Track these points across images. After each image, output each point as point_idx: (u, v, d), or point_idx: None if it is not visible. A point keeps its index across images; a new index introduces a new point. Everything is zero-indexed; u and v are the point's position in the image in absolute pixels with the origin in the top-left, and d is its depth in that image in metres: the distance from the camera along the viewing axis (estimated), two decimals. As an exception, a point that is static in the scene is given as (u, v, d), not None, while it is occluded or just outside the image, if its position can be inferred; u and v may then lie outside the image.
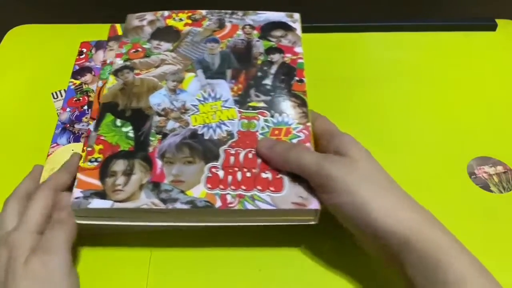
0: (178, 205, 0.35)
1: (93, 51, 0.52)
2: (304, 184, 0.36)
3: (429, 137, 0.48)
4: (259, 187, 0.36)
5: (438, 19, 0.61)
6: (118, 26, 0.51)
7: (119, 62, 0.45)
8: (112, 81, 0.44)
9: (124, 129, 0.40)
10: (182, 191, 0.36)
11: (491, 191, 0.44)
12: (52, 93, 0.52)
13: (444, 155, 0.46)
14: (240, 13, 0.50)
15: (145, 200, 0.36)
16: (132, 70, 0.45)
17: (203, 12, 0.50)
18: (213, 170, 0.37)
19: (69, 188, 0.37)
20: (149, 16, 0.50)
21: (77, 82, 0.50)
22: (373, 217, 0.32)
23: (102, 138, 0.39)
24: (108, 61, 0.47)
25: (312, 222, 0.36)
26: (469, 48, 0.58)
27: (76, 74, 0.50)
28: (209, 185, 0.36)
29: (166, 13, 0.50)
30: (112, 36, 0.50)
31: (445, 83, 0.54)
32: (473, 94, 0.53)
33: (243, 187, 0.36)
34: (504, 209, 0.42)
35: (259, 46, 0.47)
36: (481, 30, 0.60)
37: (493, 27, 0.60)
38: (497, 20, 0.60)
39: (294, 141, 0.39)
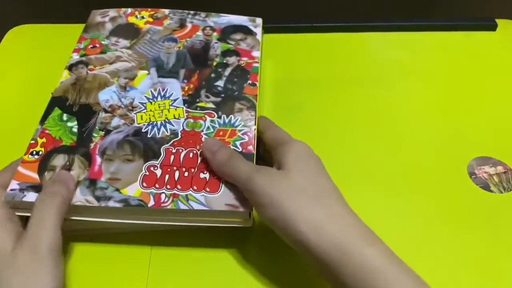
0: (111, 203, 0.35)
1: None
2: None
3: (429, 137, 0.48)
4: (195, 187, 0.36)
5: (438, 19, 0.61)
6: None
7: (75, 57, 0.46)
8: (66, 75, 0.44)
9: (69, 124, 0.40)
10: (117, 189, 0.36)
11: (491, 191, 0.44)
12: (52, 93, 0.52)
13: (444, 155, 0.46)
14: (203, 14, 0.51)
15: (80, 197, 0.36)
16: (87, 66, 0.45)
17: (166, 11, 0.51)
18: (151, 168, 0.37)
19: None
20: (112, 12, 0.51)
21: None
22: (299, 230, 0.31)
23: (47, 131, 0.40)
24: None
25: (246, 225, 0.36)
26: (469, 48, 0.58)
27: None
28: (144, 184, 0.36)
29: (129, 10, 0.51)
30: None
31: (445, 83, 0.53)
32: (473, 94, 0.53)
33: (179, 187, 0.36)
34: (504, 209, 0.42)
35: (217, 48, 0.48)
36: (481, 30, 0.60)
37: (493, 27, 0.60)
38: (497, 20, 0.60)
39: (238, 143, 0.39)
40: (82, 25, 0.60)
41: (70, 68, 0.45)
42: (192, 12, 0.51)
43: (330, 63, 0.56)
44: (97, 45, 0.47)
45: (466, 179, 0.44)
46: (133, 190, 0.36)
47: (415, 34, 0.60)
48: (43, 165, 0.37)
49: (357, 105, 0.51)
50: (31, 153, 0.38)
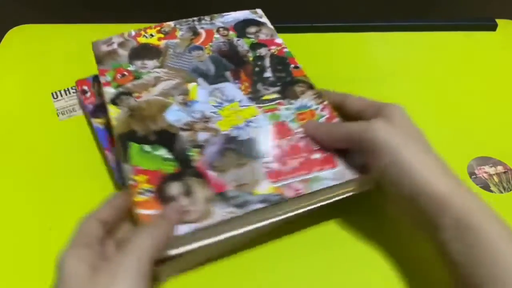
0: (254, 206, 0.34)
1: (95, 87, 0.49)
2: (352, 155, 0.38)
3: (429, 137, 0.48)
4: (317, 168, 0.37)
5: (438, 19, 0.61)
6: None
7: (111, 90, 0.43)
8: (114, 111, 0.41)
9: (157, 153, 0.38)
10: (250, 193, 0.35)
11: (491, 191, 0.43)
12: (52, 93, 0.52)
13: (444, 155, 0.46)
14: (207, 17, 0.51)
15: (221, 211, 0.34)
16: (131, 95, 0.42)
17: (171, 23, 0.50)
18: (268, 165, 0.37)
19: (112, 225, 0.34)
20: (116, 38, 0.48)
21: (103, 121, 0.46)
22: (415, 178, 0.32)
23: (141, 168, 0.36)
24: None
25: (369, 188, 0.38)
26: (469, 48, 0.58)
27: (94, 114, 0.46)
28: (271, 180, 0.36)
29: (133, 32, 0.49)
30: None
31: (445, 83, 0.53)
32: (473, 94, 0.53)
33: (303, 172, 0.37)
34: (504, 209, 0.42)
35: (242, 44, 0.48)
36: (481, 30, 0.60)
37: (493, 27, 0.60)
38: (497, 20, 0.60)
39: (323, 120, 0.41)
40: (82, 25, 0.60)
41: (114, 102, 0.42)
42: (195, 18, 0.50)
43: (330, 63, 0.56)
44: (125, 73, 0.44)
45: (466, 179, 0.44)
46: (265, 188, 0.36)
47: (415, 34, 0.60)
48: (163, 199, 0.35)
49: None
50: (140, 193, 0.35)
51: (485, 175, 0.45)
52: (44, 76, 0.54)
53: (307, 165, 0.37)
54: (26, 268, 0.37)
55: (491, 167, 0.45)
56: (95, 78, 0.49)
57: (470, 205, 0.32)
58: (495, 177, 0.44)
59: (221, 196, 0.35)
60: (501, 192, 0.43)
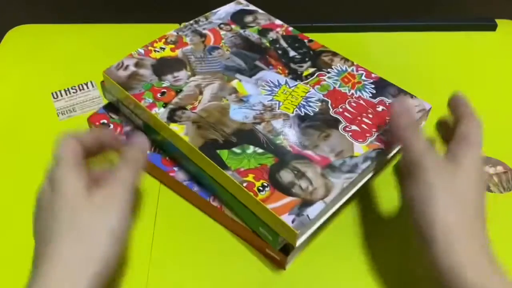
0: (362, 166, 0.38)
1: (120, 116, 0.46)
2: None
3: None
4: (386, 119, 0.41)
5: (438, 19, 0.61)
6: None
7: (161, 111, 0.41)
8: (179, 128, 0.39)
9: (249, 152, 0.38)
10: (351, 156, 0.38)
11: (491, 191, 0.43)
12: (52, 93, 0.52)
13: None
14: (202, 18, 0.51)
15: (340, 181, 0.36)
16: (185, 108, 0.41)
17: (173, 32, 0.49)
18: (348, 129, 0.40)
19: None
20: (128, 60, 0.45)
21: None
22: (431, 225, 0.30)
23: (243, 169, 0.37)
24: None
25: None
26: (469, 48, 0.58)
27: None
28: (361, 140, 0.40)
29: (141, 50, 0.46)
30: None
31: (445, 83, 0.53)
32: (473, 94, 0.52)
33: (382, 122, 0.41)
34: (504, 209, 0.42)
35: (251, 34, 0.49)
36: (481, 30, 0.60)
37: (493, 27, 0.60)
38: (497, 20, 0.60)
39: (363, 77, 0.45)
40: (82, 25, 0.60)
41: (172, 120, 0.40)
42: (191, 22, 0.50)
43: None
44: (164, 90, 0.43)
45: (466, 179, 0.44)
46: (361, 149, 0.39)
47: (415, 34, 0.60)
48: (284, 189, 0.36)
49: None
50: (259, 191, 0.35)
51: (485, 175, 0.45)
52: (44, 76, 0.54)
53: (378, 118, 0.41)
54: (26, 268, 0.37)
55: (491, 167, 0.45)
56: (110, 108, 0.46)
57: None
58: (495, 177, 0.44)
59: (330, 167, 0.37)
60: (501, 192, 0.43)
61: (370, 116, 0.41)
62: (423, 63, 0.56)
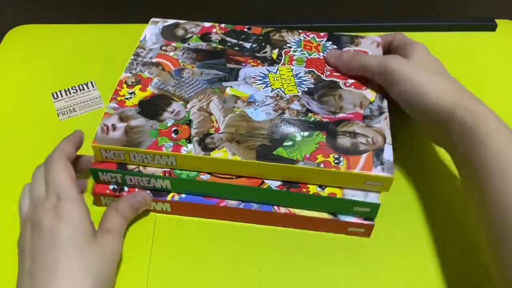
0: (384, 105, 0.42)
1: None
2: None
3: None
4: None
5: (438, 19, 0.61)
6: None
7: (190, 147, 0.39)
8: (222, 153, 0.38)
9: (298, 139, 0.39)
10: (370, 103, 0.43)
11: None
12: (52, 93, 0.52)
13: (443, 154, 0.46)
14: (138, 50, 0.47)
15: (383, 123, 0.41)
16: (210, 134, 0.40)
17: (126, 74, 0.45)
18: (348, 84, 0.44)
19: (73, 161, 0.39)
20: (109, 120, 0.41)
21: None
22: (426, 97, 0.38)
23: (308, 155, 0.38)
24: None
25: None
26: (469, 48, 0.58)
27: None
28: (364, 87, 0.44)
29: (112, 105, 0.42)
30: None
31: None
32: (473, 94, 0.53)
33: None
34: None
35: (198, 44, 0.48)
36: (481, 30, 0.60)
37: (493, 27, 0.60)
38: (497, 20, 0.60)
39: (327, 47, 0.48)
40: (82, 25, 0.60)
41: (210, 149, 0.39)
42: (131, 58, 0.46)
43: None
44: (174, 128, 0.40)
45: (466, 179, 0.44)
46: (370, 94, 0.43)
47: (415, 34, 0.59)
48: (353, 152, 0.39)
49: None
50: (337, 163, 0.38)
51: (485, 175, 0.45)
52: (44, 76, 0.54)
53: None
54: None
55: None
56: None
57: (474, 109, 0.37)
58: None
59: (365, 118, 0.41)
60: (501, 192, 0.43)
61: (349, 82, 0.44)
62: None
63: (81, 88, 0.52)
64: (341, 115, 0.41)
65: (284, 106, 0.42)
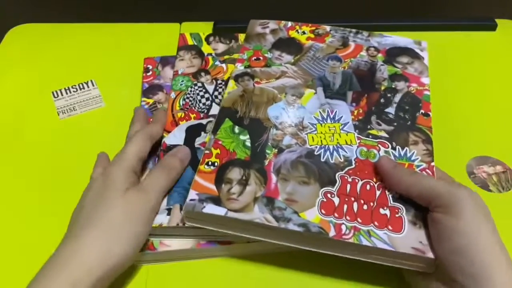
0: (290, 226, 0.33)
1: (159, 67, 0.51)
2: (424, 229, 0.34)
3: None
4: (376, 223, 0.34)
5: (438, 19, 0.61)
6: (187, 36, 0.51)
7: (240, 67, 0.45)
8: (232, 86, 0.43)
9: (241, 137, 0.39)
10: (296, 212, 0.34)
11: (490, 190, 0.44)
12: (53, 92, 0.52)
13: (443, 154, 0.46)
14: (365, 33, 0.50)
15: (259, 214, 0.34)
16: (253, 78, 0.44)
17: (327, 27, 0.50)
18: (328, 195, 0.35)
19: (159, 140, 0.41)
20: (272, 24, 0.50)
21: (150, 100, 0.48)
22: (482, 260, 0.31)
23: (220, 142, 0.39)
24: (179, 72, 0.47)
25: (428, 271, 0.33)
26: (469, 48, 0.58)
27: (147, 92, 0.49)
28: (323, 211, 0.34)
29: (289, 23, 0.50)
30: (182, 45, 0.50)
31: (444, 83, 0.53)
32: (472, 94, 0.53)
33: (359, 220, 0.34)
34: (504, 208, 0.42)
35: (383, 70, 0.45)
36: (481, 30, 0.60)
37: (493, 27, 0.60)
38: (497, 20, 0.60)
39: None
40: (82, 25, 0.60)
41: (236, 79, 0.44)
42: (353, 30, 0.50)
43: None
44: (261, 57, 0.46)
45: (465, 179, 0.44)
46: (312, 216, 0.34)
47: (415, 34, 0.60)
48: (220, 177, 0.37)
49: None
50: (207, 164, 0.37)
51: (484, 174, 0.45)
52: (45, 75, 0.54)
53: (368, 215, 0.34)
54: (25, 267, 0.37)
55: (490, 166, 0.45)
56: (162, 60, 0.51)
57: None
58: (494, 177, 0.44)
59: (268, 201, 0.35)
60: (500, 192, 0.43)
61: (364, 207, 0.35)
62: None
63: (81, 87, 0.52)
64: (268, 164, 0.38)
65: (286, 130, 0.40)
